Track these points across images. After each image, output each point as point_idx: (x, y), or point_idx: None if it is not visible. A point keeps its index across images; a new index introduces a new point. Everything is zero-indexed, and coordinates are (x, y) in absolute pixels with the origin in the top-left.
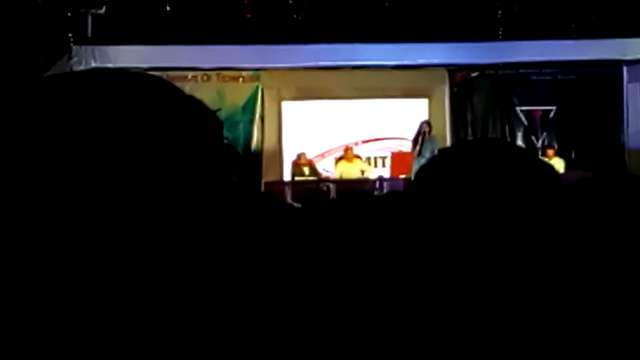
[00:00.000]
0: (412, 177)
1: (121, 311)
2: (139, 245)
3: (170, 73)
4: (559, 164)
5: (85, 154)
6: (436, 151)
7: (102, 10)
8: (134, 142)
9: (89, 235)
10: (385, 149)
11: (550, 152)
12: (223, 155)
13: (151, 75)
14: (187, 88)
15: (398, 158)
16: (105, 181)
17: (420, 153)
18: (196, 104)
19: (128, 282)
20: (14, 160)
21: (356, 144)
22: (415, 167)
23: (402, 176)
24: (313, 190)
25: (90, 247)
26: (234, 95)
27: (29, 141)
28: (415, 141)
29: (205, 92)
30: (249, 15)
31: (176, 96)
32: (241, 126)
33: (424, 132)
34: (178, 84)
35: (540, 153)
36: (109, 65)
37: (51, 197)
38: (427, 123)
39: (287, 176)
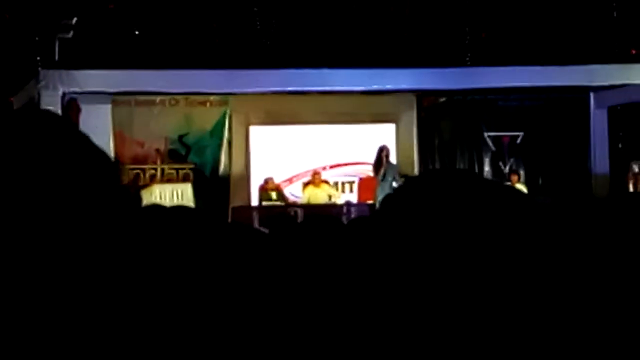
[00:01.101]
0: (377, 201)
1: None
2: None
3: (138, 97)
4: (523, 190)
5: None
6: (397, 175)
7: (70, 35)
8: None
9: None
10: (352, 174)
11: (514, 178)
12: (118, 195)
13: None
14: (155, 112)
15: (365, 183)
16: None
17: (384, 177)
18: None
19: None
20: None
21: (324, 168)
22: (379, 191)
23: (370, 201)
24: (280, 215)
25: None
26: (201, 120)
27: None
28: (377, 166)
29: (172, 117)
30: (217, 40)
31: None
32: (209, 150)
33: (384, 157)
34: (145, 109)
35: (507, 178)
36: (77, 89)
37: None
38: (386, 148)
39: (254, 201)
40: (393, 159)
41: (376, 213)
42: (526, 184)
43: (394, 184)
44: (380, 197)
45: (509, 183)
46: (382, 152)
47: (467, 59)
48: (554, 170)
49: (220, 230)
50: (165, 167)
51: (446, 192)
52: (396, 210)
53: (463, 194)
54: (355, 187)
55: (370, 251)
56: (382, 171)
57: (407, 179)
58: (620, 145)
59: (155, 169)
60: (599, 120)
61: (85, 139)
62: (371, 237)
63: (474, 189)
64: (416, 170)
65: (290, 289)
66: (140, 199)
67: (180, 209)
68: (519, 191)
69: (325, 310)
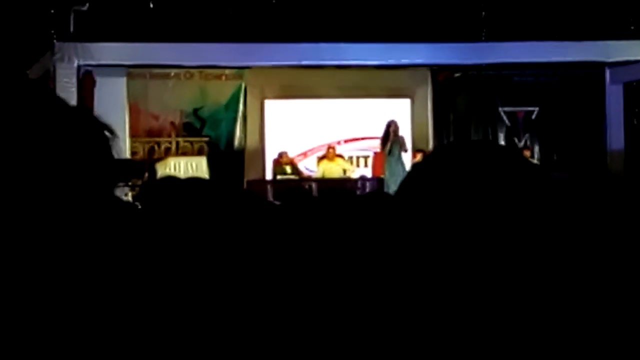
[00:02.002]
0: (386, 176)
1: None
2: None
3: (153, 70)
4: None
5: None
6: (404, 149)
7: (85, 7)
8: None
9: None
10: (367, 149)
11: (526, 153)
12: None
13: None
14: (170, 85)
15: (380, 157)
16: None
17: (390, 152)
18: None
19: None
20: None
21: (338, 143)
22: (386, 166)
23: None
24: (295, 189)
25: None
26: (216, 93)
27: None
28: (384, 140)
29: (187, 90)
30: (232, 13)
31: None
32: (223, 124)
33: (392, 132)
34: (160, 82)
35: None
36: (92, 62)
37: None
38: (394, 123)
39: (269, 175)
40: (408, 133)
41: (399, 189)
42: (541, 159)
43: (402, 158)
44: (387, 172)
45: None
46: (390, 126)
47: (483, 33)
48: (569, 146)
49: (235, 202)
50: (180, 140)
51: (464, 168)
52: (414, 185)
53: (481, 169)
54: (369, 161)
55: (388, 227)
56: (388, 145)
57: (428, 155)
58: (635, 121)
59: (170, 142)
60: (614, 96)
61: (66, 108)
62: (388, 213)
63: (491, 164)
64: (430, 146)
65: (303, 262)
66: (154, 171)
67: (195, 180)
68: (537, 165)
69: (337, 286)
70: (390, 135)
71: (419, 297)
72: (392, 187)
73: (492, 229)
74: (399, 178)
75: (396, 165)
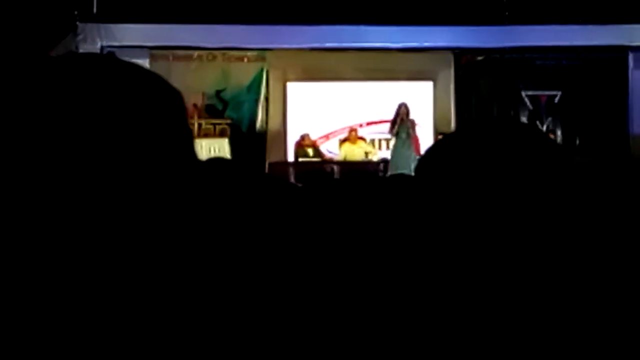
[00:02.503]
0: (391, 158)
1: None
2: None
3: (176, 52)
4: None
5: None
6: (411, 133)
7: None
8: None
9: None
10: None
11: (549, 136)
12: (185, 135)
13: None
14: (192, 67)
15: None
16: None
17: (397, 134)
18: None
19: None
20: None
21: (360, 125)
22: (392, 149)
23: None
24: (317, 171)
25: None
26: (239, 75)
27: None
28: (393, 122)
29: (210, 72)
30: None
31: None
32: (246, 106)
33: (403, 114)
34: (183, 63)
35: None
36: (115, 43)
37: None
38: (405, 105)
39: (291, 157)
40: (430, 117)
41: (417, 169)
42: (563, 143)
43: (409, 141)
44: (393, 155)
45: None
46: (400, 109)
47: (505, 17)
48: (592, 130)
49: (257, 183)
50: (202, 122)
51: (486, 146)
52: (435, 164)
53: (503, 147)
54: (391, 144)
55: (410, 210)
56: (396, 128)
57: (449, 135)
58: None
59: (193, 124)
60: (637, 81)
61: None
62: (411, 194)
63: (514, 142)
64: (453, 129)
65: (326, 245)
66: None
67: (217, 161)
68: (560, 145)
69: (360, 269)
70: (399, 118)
71: (441, 279)
72: (397, 170)
73: (513, 208)
74: (405, 161)
75: (402, 148)
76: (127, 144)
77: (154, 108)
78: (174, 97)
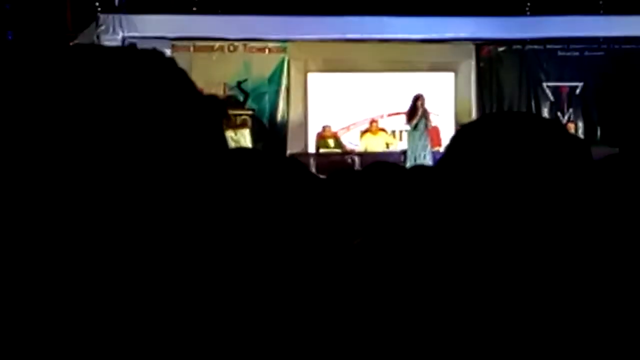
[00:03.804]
0: (409, 149)
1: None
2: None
3: (197, 43)
4: None
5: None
6: (429, 125)
7: None
8: (127, 120)
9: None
10: None
11: (571, 127)
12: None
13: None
14: (214, 58)
15: (436, 131)
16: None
17: (416, 126)
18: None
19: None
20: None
21: (381, 117)
22: (409, 140)
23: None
24: (338, 162)
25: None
26: (260, 66)
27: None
28: (411, 115)
29: (231, 63)
30: None
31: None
32: (267, 97)
33: (419, 106)
34: (204, 54)
35: None
36: (136, 34)
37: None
38: (422, 97)
39: (311, 148)
40: (451, 108)
41: (440, 160)
42: (585, 135)
43: (425, 132)
44: (411, 146)
45: None
46: (418, 100)
47: (527, 7)
48: (613, 122)
49: (281, 172)
50: None
51: (505, 138)
52: (456, 156)
53: (522, 140)
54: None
55: (431, 201)
56: (415, 120)
57: (469, 125)
58: None
59: None
60: None
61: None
62: (433, 186)
63: (533, 135)
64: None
65: (348, 235)
66: None
67: (241, 151)
68: (579, 138)
69: (382, 259)
70: (419, 110)
71: (460, 273)
72: (415, 161)
73: (533, 200)
74: (422, 152)
75: (419, 139)
76: (159, 133)
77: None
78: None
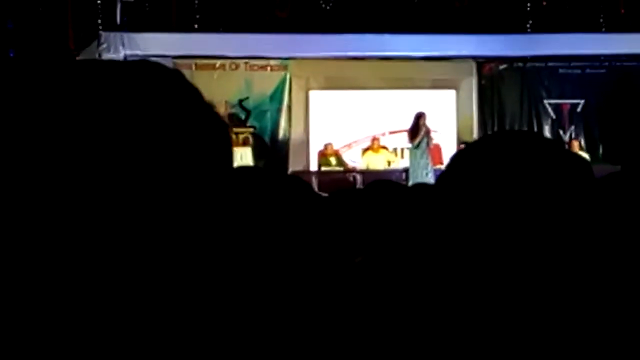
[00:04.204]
0: (410, 167)
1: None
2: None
3: (198, 61)
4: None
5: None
6: (431, 143)
7: None
8: (132, 134)
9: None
10: None
11: (575, 144)
12: (222, 143)
13: (158, 64)
14: (215, 76)
15: (437, 149)
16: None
17: (418, 145)
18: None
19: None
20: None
21: (383, 134)
22: (411, 158)
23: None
24: (339, 180)
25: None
26: (261, 84)
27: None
28: (413, 133)
29: (233, 81)
30: (277, 3)
31: (174, 87)
32: (268, 115)
33: (421, 124)
34: (206, 72)
35: (567, 146)
36: (138, 52)
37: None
38: (424, 115)
39: (313, 166)
40: (453, 125)
41: (440, 178)
42: (587, 152)
43: (427, 151)
44: (413, 165)
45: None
46: (420, 118)
47: (528, 25)
48: (615, 139)
49: (283, 191)
50: None
51: (508, 159)
52: (461, 175)
53: (523, 159)
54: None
55: (431, 220)
56: (418, 139)
57: (471, 144)
58: None
59: None
60: None
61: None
62: (433, 204)
63: (534, 154)
64: (475, 137)
65: (348, 253)
66: None
67: (244, 169)
68: (580, 157)
69: (383, 277)
70: (421, 129)
71: (459, 288)
72: (417, 180)
73: (533, 220)
74: (424, 171)
75: (421, 157)
76: (166, 149)
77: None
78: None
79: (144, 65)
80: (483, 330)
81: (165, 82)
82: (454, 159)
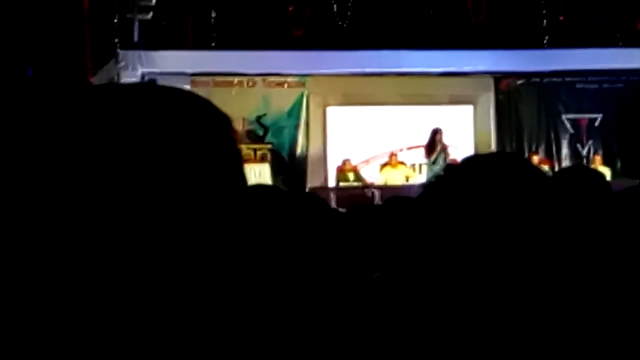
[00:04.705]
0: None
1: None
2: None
3: (216, 78)
4: (605, 172)
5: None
6: (448, 159)
7: (149, 16)
8: (142, 149)
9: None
10: None
11: (597, 159)
12: (231, 157)
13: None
14: (233, 93)
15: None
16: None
17: (435, 161)
18: (204, 107)
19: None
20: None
21: (401, 150)
22: (428, 175)
23: None
24: (358, 196)
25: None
26: (279, 101)
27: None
28: (430, 149)
29: (250, 98)
30: (294, 20)
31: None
32: (286, 131)
33: (439, 140)
34: (223, 89)
35: (585, 161)
36: (155, 70)
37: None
38: (440, 131)
39: (331, 182)
40: (470, 141)
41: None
42: (605, 166)
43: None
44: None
45: (591, 166)
46: (437, 134)
47: (545, 40)
48: (633, 154)
49: (301, 209)
50: (243, 147)
51: (489, 181)
52: (438, 197)
53: (505, 183)
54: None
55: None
56: (434, 155)
57: (450, 166)
58: None
59: None
60: None
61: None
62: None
63: (501, 175)
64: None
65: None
66: None
67: (261, 187)
68: (547, 175)
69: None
70: (437, 145)
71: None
72: None
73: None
74: None
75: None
76: (175, 173)
77: (201, 135)
78: (222, 121)
79: (150, 89)
80: (498, 345)
81: (170, 107)
82: (433, 183)
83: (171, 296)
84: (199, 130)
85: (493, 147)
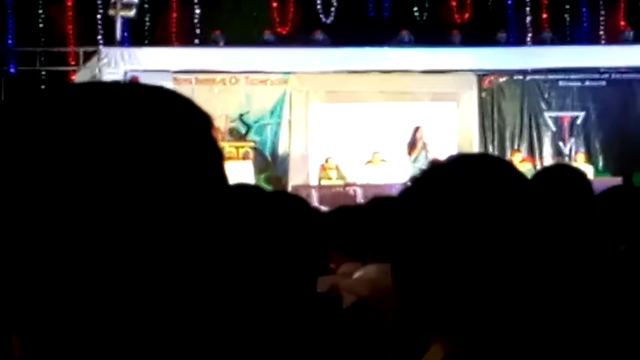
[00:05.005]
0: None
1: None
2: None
3: (199, 76)
4: (588, 170)
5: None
6: (429, 157)
7: (132, 13)
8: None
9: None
10: None
11: (579, 156)
12: (210, 155)
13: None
14: (215, 91)
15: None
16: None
17: (416, 159)
18: (184, 105)
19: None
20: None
21: (384, 147)
22: (411, 173)
23: None
24: (340, 194)
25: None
26: (262, 99)
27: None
28: (412, 147)
29: (233, 95)
30: (277, 18)
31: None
32: (269, 129)
33: (419, 138)
34: (206, 87)
35: (567, 159)
36: (138, 67)
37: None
38: (421, 128)
39: (314, 180)
40: (454, 138)
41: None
42: (587, 164)
43: (424, 166)
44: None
45: (573, 163)
46: (417, 132)
47: (528, 38)
48: (615, 151)
49: (282, 208)
50: (226, 145)
51: (470, 181)
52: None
53: (486, 184)
54: (409, 167)
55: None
56: (415, 153)
57: (433, 165)
58: None
59: None
60: None
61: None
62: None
63: (481, 176)
64: (475, 149)
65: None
66: None
67: (242, 187)
68: (526, 178)
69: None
70: (418, 142)
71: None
72: None
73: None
74: None
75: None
76: (155, 171)
77: (181, 133)
78: (202, 119)
79: (131, 89)
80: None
81: (142, 104)
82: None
83: (147, 295)
84: (177, 128)
85: (476, 144)
